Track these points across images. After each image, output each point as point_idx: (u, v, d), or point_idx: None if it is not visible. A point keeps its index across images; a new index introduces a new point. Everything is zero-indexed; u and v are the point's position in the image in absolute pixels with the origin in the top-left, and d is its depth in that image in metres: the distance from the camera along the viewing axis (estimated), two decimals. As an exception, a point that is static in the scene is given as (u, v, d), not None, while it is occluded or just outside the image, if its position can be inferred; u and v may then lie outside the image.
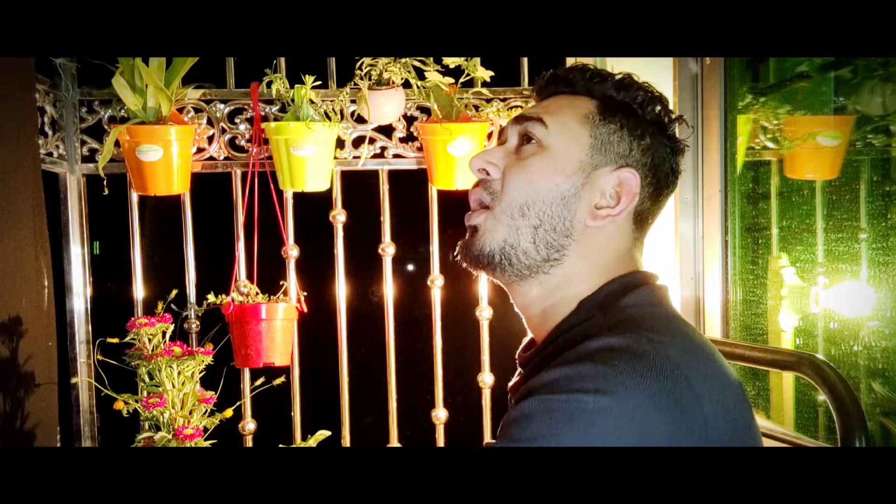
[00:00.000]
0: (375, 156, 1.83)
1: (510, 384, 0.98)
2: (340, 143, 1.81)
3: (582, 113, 0.92)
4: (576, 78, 0.95)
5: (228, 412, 1.59)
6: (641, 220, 0.94)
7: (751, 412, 0.84)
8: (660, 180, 0.93)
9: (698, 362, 0.79)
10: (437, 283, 1.85)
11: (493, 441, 0.79)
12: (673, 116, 0.95)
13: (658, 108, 0.94)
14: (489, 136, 1.83)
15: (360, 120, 1.81)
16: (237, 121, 1.81)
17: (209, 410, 1.55)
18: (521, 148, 0.92)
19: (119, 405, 1.50)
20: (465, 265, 0.93)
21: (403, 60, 1.72)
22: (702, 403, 0.76)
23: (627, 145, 0.91)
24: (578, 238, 0.89)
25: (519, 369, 0.97)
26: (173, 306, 1.62)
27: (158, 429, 1.51)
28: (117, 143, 1.70)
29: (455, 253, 0.94)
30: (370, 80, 1.72)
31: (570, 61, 1.90)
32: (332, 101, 1.76)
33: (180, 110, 1.78)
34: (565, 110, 0.92)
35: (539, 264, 0.89)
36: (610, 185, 0.90)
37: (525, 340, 1.00)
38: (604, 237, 0.90)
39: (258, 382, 1.64)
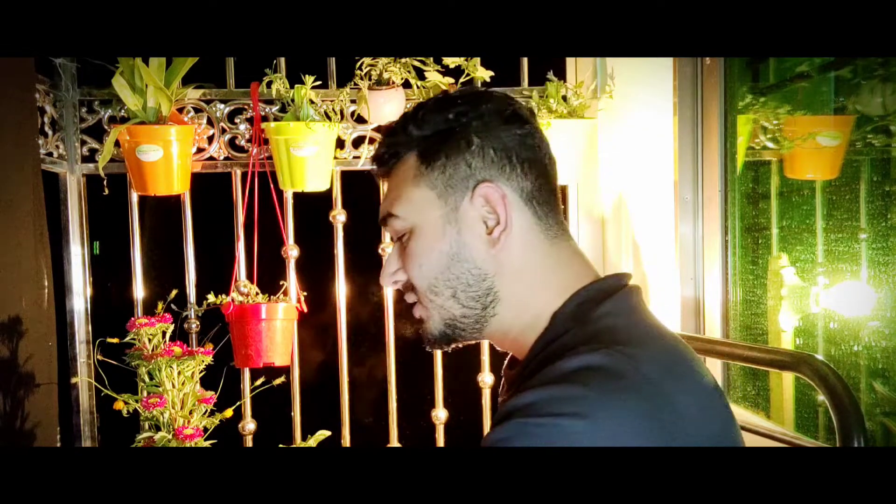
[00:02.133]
0: (375, 156, 1.83)
1: (500, 401, 0.97)
2: (340, 143, 1.81)
3: (411, 175, 0.88)
4: (390, 144, 0.91)
5: (228, 412, 1.59)
6: (538, 199, 0.88)
7: (732, 420, 0.83)
8: (519, 155, 0.87)
9: (678, 377, 0.78)
10: (437, 283, 1.85)
11: None
12: (482, 105, 0.88)
13: (462, 110, 0.88)
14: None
15: (360, 120, 1.81)
16: (237, 121, 1.81)
17: (209, 410, 1.55)
18: (401, 241, 0.91)
19: (119, 405, 1.50)
20: (435, 350, 0.95)
21: (403, 60, 1.72)
22: (684, 422, 0.75)
23: (464, 166, 0.86)
24: (495, 271, 0.87)
25: (504, 386, 0.96)
26: (173, 306, 1.62)
27: (158, 429, 1.51)
28: (117, 143, 1.70)
29: (423, 345, 0.95)
30: (370, 80, 1.72)
31: (569, 61, 1.90)
32: (332, 101, 1.76)
33: (180, 110, 1.78)
34: (399, 186, 0.90)
35: (481, 315, 0.88)
36: (478, 209, 0.86)
37: (509, 356, 0.99)
38: (517, 251, 0.87)
39: (258, 382, 1.64)
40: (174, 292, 1.64)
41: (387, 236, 1.85)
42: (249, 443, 1.83)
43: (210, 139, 1.81)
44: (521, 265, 0.87)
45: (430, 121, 0.89)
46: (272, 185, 1.77)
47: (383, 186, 0.95)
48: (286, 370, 1.78)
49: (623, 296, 0.86)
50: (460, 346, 0.93)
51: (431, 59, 1.72)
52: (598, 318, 0.83)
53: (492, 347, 1.86)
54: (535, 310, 0.87)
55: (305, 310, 1.80)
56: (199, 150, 1.80)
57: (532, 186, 0.88)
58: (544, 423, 0.71)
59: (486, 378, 1.87)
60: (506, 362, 0.98)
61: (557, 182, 0.92)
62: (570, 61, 1.90)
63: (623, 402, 0.73)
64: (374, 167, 0.95)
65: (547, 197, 0.89)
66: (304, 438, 1.81)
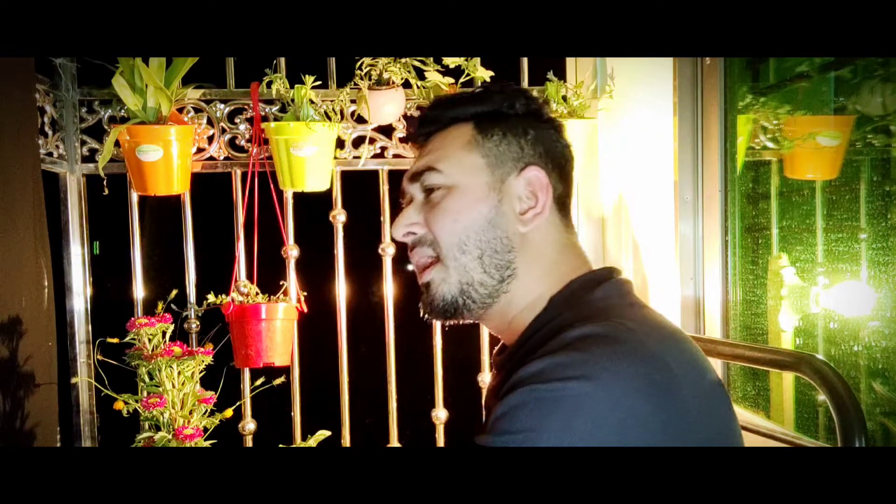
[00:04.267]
0: (375, 156, 1.83)
1: (487, 387, 1.00)
2: (340, 143, 1.81)
3: (464, 141, 0.95)
4: (439, 114, 0.98)
5: (228, 412, 1.59)
6: (562, 204, 0.97)
7: (725, 393, 0.87)
8: (558, 161, 0.97)
9: (674, 347, 0.83)
10: (437, 283, 1.85)
11: (483, 435, 0.80)
12: (538, 103, 0.99)
13: (523, 101, 0.97)
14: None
15: (360, 120, 1.81)
16: (237, 121, 1.81)
17: (209, 410, 1.55)
18: (430, 198, 0.95)
19: (119, 405, 1.50)
20: (435, 320, 0.96)
21: (403, 60, 1.72)
22: (680, 386, 0.79)
23: (518, 147, 0.94)
24: (520, 247, 0.93)
25: (493, 371, 1.00)
26: (173, 306, 1.62)
27: (158, 429, 1.51)
28: (117, 143, 1.70)
29: (422, 314, 0.97)
30: (370, 80, 1.72)
31: (569, 61, 1.90)
32: (332, 101, 1.76)
33: (180, 110, 1.78)
34: (448, 147, 0.95)
35: (497, 287, 0.92)
36: (521, 188, 0.93)
37: (500, 343, 1.02)
38: (541, 235, 0.94)
39: (258, 382, 1.64)
40: (174, 292, 1.64)
41: (387, 236, 1.85)
42: (249, 443, 1.83)
43: (210, 139, 1.81)
44: (539, 250, 0.94)
45: (488, 100, 0.96)
46: (272, 185, 1.77)
47: (426, 146, 0.98)
48: (286, 370, 1.78)
49: (614, 283, 0.92)
50: (460, 322, 0.96)
51: (431, 59, 1.72)
52: (592, 301, 0.89)
53: (492, 347, 1.86)
54: (536, 293, 0.93)
55: (305, 310, 1.80)
56: (199, 150, 1.80)
57: (562, 195, 0.97)
58: (551, 388, 0.76)
59: (486, 378, 1.87)
60: (497, 348, 1.02)
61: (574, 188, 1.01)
62: (570, 61, 1.90)
63: (624, 363, 0.77)
64: (419, 128, 1.00)
65: (567, 199, 0.98)
66: (304, 438, 1.81)
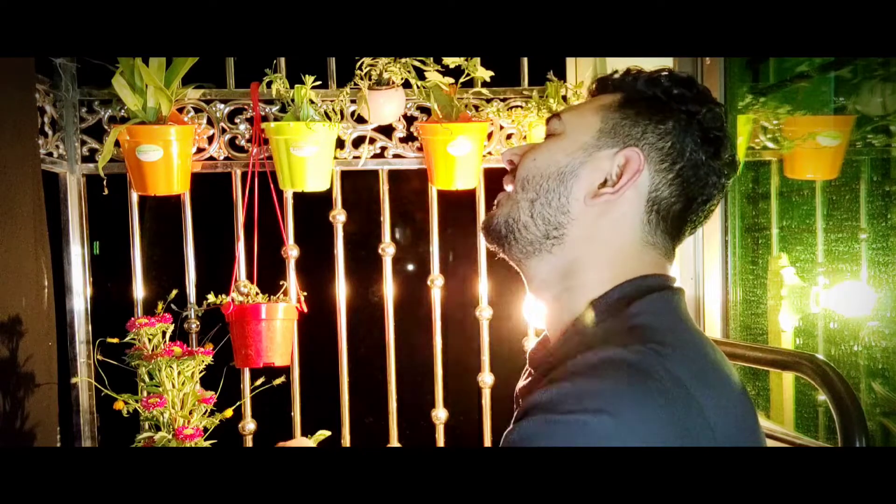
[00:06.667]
0: (375, 156, 1.83)
1: (518, 386, 0.95)
2: (340, 143, 1.81)
3: (601, 104, 0.92)
4: (612, 80, 0.96)
5: (228, 412, 1.59)
6: (662, 212, 0.88)
7: (756, 421, 0.83)
8: (682, 171, 0.87)
9: (709, 383, 0.77)
10: (437, 283, 1.85)
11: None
12: (704, 106, 0.90)
13: (688, 95, 0.90)
14: (489, 135, 1.83)
15: (360, 120, 1.81)
16: (237, 121, 1.81)
17: (209, 410, 1.55)
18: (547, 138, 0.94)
19: (119, 405, 1.50)
20: (487, 240, 0.95)
21: (403, 60, 1.72)
22: (709, 424, 0.74)
23: (641, 129, 0.88)
24: (578, 217, 0.87)
25: (529, 369, 0.94)
26: (173, 306, 1.62)
27: (158, 429, 1.51)
28: (117, 143, 1.70)
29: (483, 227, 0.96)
30: (370, 80, 1.72)
31: (569, 61, 1.90)
32: (332, 101, 1.76)
33: (180, 110, 1.78)
34: (587, 104, 0.93)
35: (540, 240, 0.89)
36: (614, 165, 0.87)
37: (538, 338, 0.97)
38: (609, 220, 0.87)
39: (258, 382, 1.64)
40: (174, 292, 1.64)
41: (387, 236, 1.86)
42: (249, 443, 1.83)
43: (210, 139, 1.81)
44: (599, 235, 0.87)
45: (647, 83, 0.92)
46: (272, 185, 1.77)
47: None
48: (286, 370, 1.78)
49: (661, 295, 0.85)
50: (502, 255, 0.93)
51: (431, 59, 1.72)
52: (634, 315, 0.81)
53: (492, 347, 1.86)
54: (583, 282, 0.87)
55: (305, 310, 1.80)
56: (199, 150, 1.80)
57: (666, 203, 0.88)
58: (567, 421, 0.70)
59: (486, 378, 1.87)
60: (534, 344, 0.96)
61: (694, 226, 0.92)
62: (570, 61, 1.90)
63: (650, 399, 0.71)
64: (599, 81, 0.98)
65: (674, 210, 0.88)
66: (304, 438, 1.81)
